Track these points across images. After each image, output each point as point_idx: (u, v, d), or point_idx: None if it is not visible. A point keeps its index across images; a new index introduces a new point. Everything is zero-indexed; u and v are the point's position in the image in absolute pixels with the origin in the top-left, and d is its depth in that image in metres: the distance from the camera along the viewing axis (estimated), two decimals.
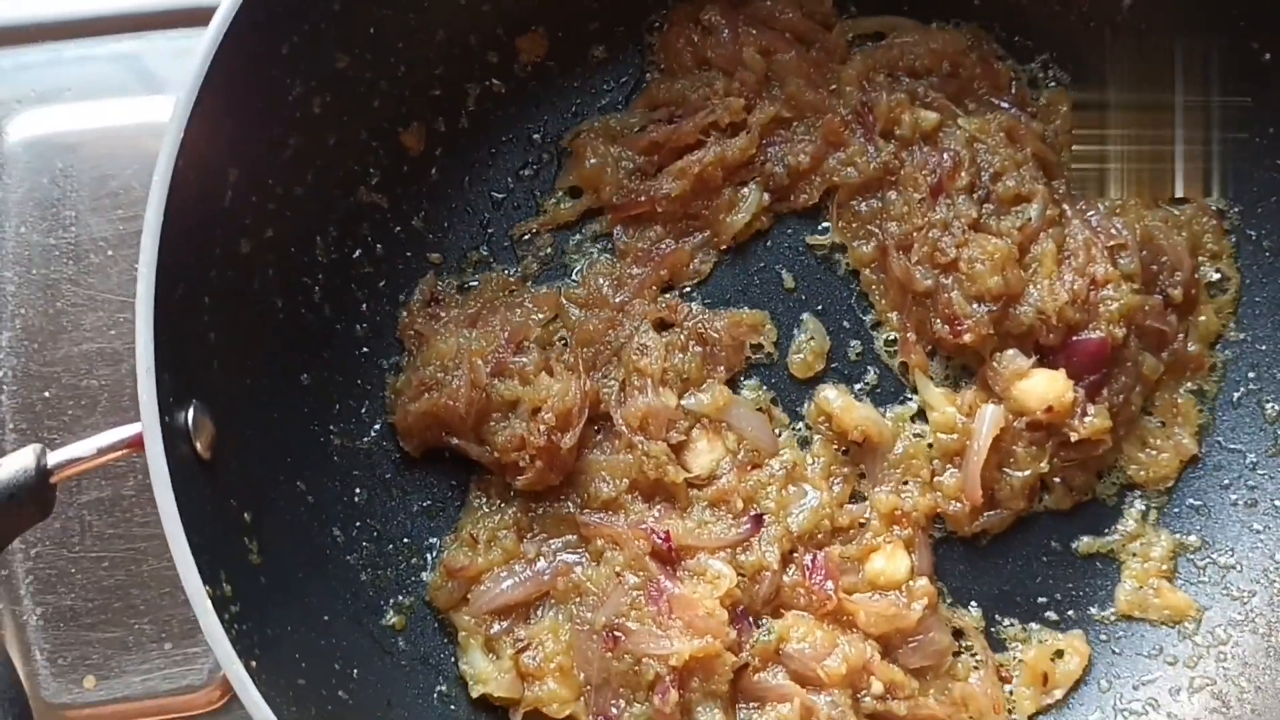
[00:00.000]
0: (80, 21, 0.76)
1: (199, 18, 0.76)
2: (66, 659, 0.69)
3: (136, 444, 0.52)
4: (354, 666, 0.59)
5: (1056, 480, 0.66)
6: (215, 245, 0.57)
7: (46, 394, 0.71)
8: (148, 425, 0.51)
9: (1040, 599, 0.66)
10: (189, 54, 0.72)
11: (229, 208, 0.58)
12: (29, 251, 0.72)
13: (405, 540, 0.65)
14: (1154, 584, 0.65)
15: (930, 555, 0.66)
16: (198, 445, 0.53)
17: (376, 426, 0.66)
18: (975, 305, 0.65)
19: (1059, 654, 0.65)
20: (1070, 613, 0.66)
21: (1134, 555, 0.66)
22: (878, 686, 0.62)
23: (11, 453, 0.52)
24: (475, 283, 0.68)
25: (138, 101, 0.75)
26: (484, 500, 0.66)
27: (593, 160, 0.69)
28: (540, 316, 0.67)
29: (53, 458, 0.51)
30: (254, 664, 0.50)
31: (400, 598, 0.64)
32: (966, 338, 0.65)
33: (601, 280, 0.68)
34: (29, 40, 0.76)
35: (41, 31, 0.76)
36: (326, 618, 0.59)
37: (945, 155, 0.67)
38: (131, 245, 0.72)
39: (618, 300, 0.68)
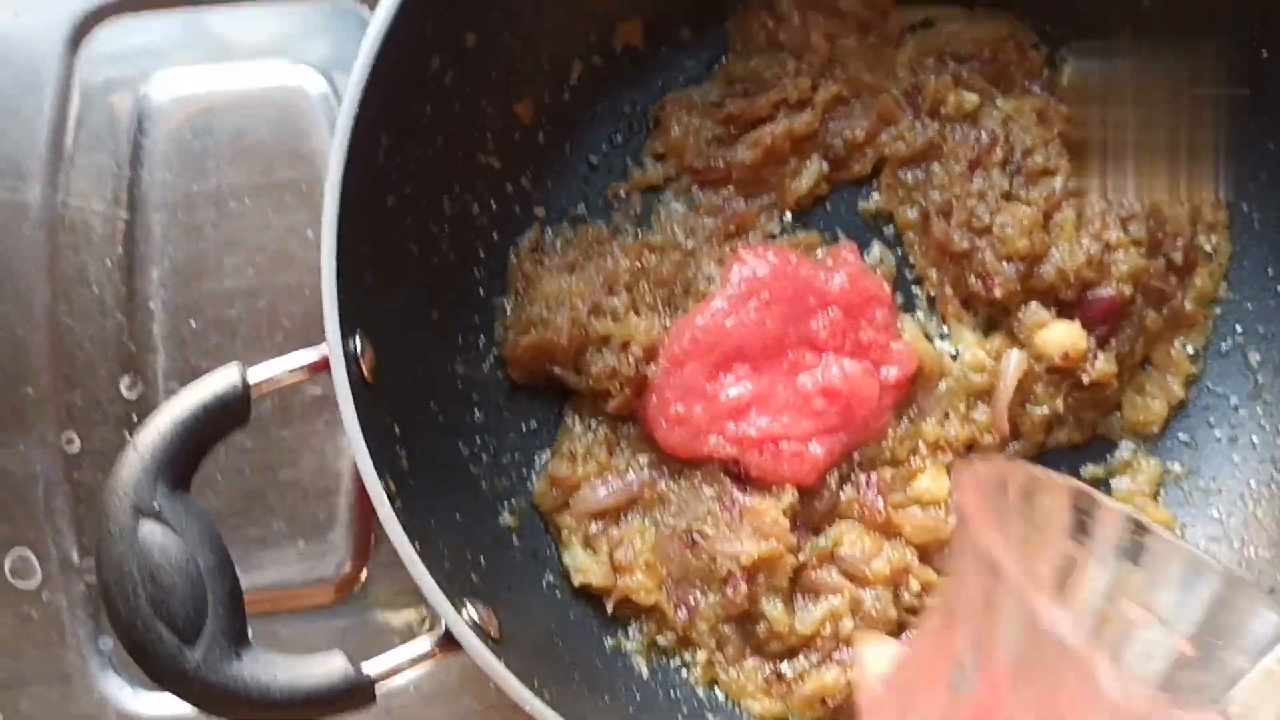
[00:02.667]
0: None
1: None
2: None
3: (320, 366, 0.63)
4: (481, 556, 0.70)
5: (1070, 418, 0.77)
6: (370, 200, 0.67)
7: (192, 323, 0.81)
8: (333, 350, 0.61)
9: None
10: (313, 25, 0.84)
11: (381, 167, 0.68)
12: (175, 197, 0.82)
13: (516, 454, 0.76)
14: (1139, 501, 0.77)
15: None
16: (364, 368, 0.64)
17: (491, 357, 0.77)
18: (1005, 264, 0.75)
19: None
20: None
21: (1125, 477, 0.78)
22: (915, 585, 0.74)
23: (206, 371, 0.63)
24: (574, 235, 0.79)
25: (269, 64, 0.84)
26: (577, 421, 0.77)
27: (676, 130, 0.79)
28: (627, 264, 0.77)
29: (252, 374, 0.62)
30: (417, 545, 0.61)
31: (514, 500, 0.75)
32: (997, 292, 0.75)
33: (676, 228, 0.78)
34: (173, 4, 0.84)
35: None
36: (458, 516, 0.70)
37: (983, 133, 0.77)
38: (264, 195, 0.81)
39: (689, 246, 0.78)
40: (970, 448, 0.77)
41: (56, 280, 0.80)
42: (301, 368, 0.63)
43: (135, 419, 0.80)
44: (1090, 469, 0.78)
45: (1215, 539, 0.75)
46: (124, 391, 0.80)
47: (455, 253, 0.75)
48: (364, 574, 0.81)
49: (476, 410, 0.75)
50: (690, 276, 0.77)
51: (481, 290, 0.76)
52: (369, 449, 0.60)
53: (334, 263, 0.62)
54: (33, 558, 0.80)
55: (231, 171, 0.83)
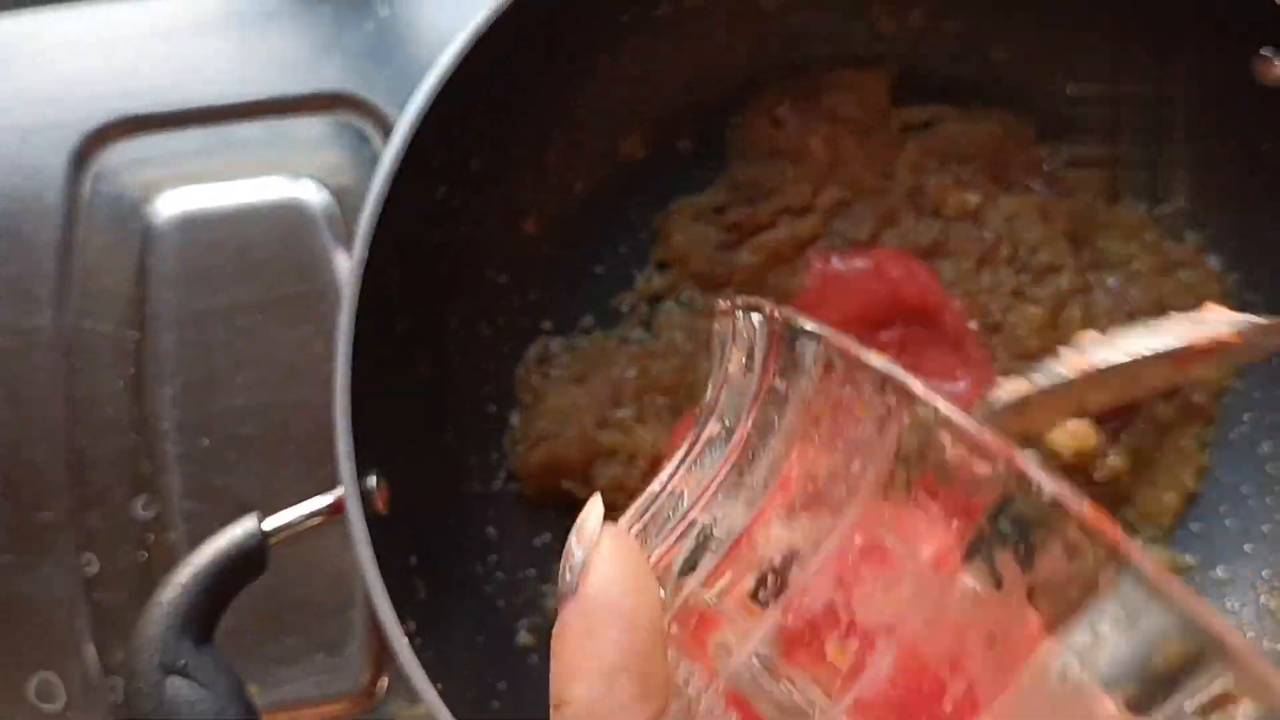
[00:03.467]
0: (219, 108, 0.86)
1: (322, 104, 0.86)
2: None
3: (338, 508, 0.63)
4: (501, 680, 0.70)
5: None
6: (382, 329, 0.68)
7: (206, 441, 0.81)
8: (349, 494, 0.62)
9: None
10: (313, 139, 0.85)
11: (391, 297, 0.68)
12: (183, 315, 0.82)
13: (531, 569, 0.76)
14: None
15: None
16: (379, 504, 0.65)
17: (503, 473, 0.77)
18: (1017, 363, 0.76)
19: None
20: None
21: None
22: None
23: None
24: (583, 344, 0.79)
25: (271, 179, 0.85)
26: None
27: (680, 238, 0.79)
28: (633, 374, 0.77)
29: (269, 523, 0.62)
30: (440, 686, 0.61)
31: (531, 619, 0.75)
32: None
33: (676, 333, 0.79)
34: (173, 126, 0.85)
35: (185, 116, 0.85)
36: (480, 638, 0.71)
37: (987, 233, 0.78)
38: (273, 310, 0.82)
39: (688, 349, 0.78)
40: None
41: (70, 403, 0.81)
42: (319, 511, 0.63)
43: (152, 538, 0.80)
44: None
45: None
46: (140, 511, 0.81)
47: (466, 370, 0.75)
48: (383, 683, 0.81)
49: (490, 528, 0.75)
50: (691, 382, 0.77)
51: (493, 406, 0.77)
52: (389, 591, 0.61)
53: (348, 408, 0.62)
54: (57, 680, 0.80)
55: (239, 288, 0.83)
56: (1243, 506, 0.78)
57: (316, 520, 0.63)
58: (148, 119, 0.85)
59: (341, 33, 0.87)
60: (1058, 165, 0.80)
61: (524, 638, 0.75)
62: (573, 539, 0.37)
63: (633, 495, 0.74)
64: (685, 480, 0.40)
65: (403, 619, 0.62)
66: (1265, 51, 0.70)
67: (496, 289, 0.77)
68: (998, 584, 0.30)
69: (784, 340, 0.36)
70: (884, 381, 0.31)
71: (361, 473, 0.63)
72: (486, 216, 0.75)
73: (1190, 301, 0.76)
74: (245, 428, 0.82)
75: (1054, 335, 0.76)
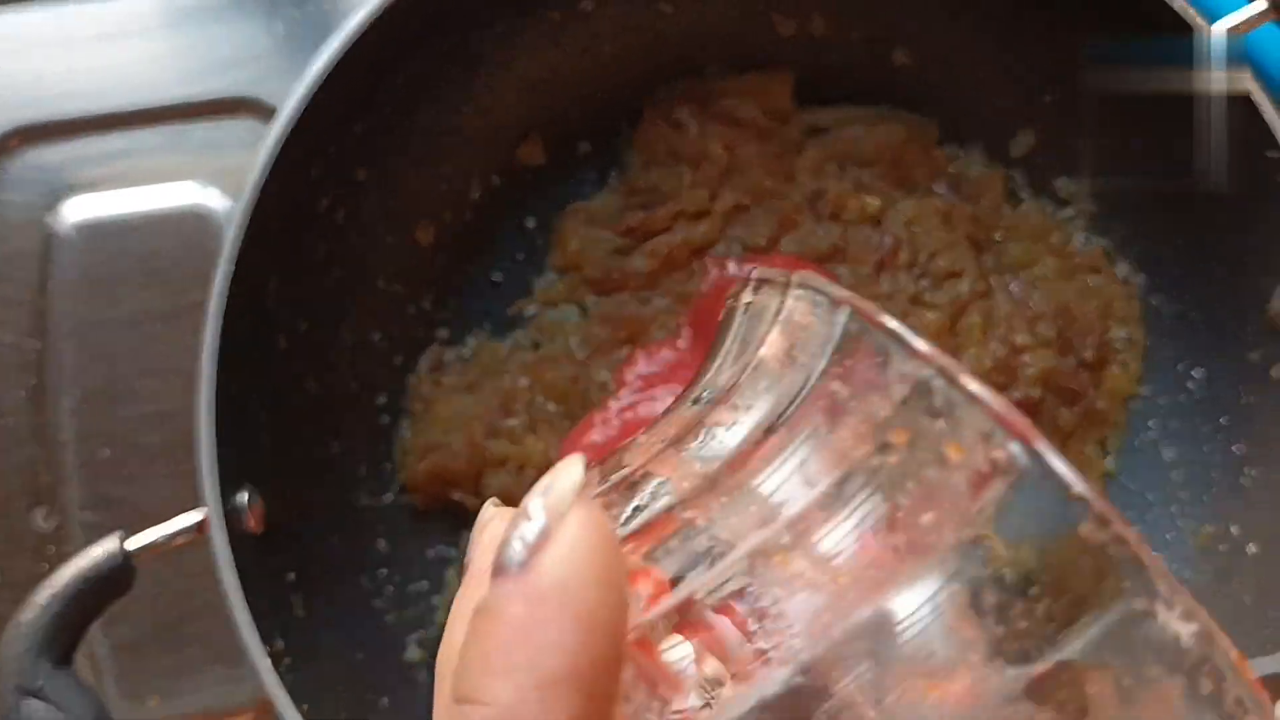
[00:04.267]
0: (122, 114, 0.85)
1: (227, 109, 0.85)
2: (132, 683, 0.80)
3: (202, 527, 0.63)
4: (384, 697, 0.70)
5: None
6: (259, 344, 0.67)
7: (107, 450, 0.81)
8: (212, 516, 0.61)
9: None
10: (218, 145, 0.84)
11: (270, 309, 0.68)
12: (86, 324, 0.82)
13: (424, 582, 0.76)
14: None
15: None
16: (251, 522, 0.64)
17: (396, 485, 0.76)
18: None
19: None
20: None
21: None
22: None
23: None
24: (477, 352, 0.78)
25: (178, 186, 0.84)
26: None
27: (575, 243, 0.78)
28: (526, 381, 0.76)
29: (132, 543, 0.62)
30: (305, 707, 0.60)
31: (421, 632, 0.75)
32: None
33: (570, 339, 0.77)
34: (76, 133, 0.85)
35: (87, 124, 0.85)
36: (361, 656, 0.70)
37: (886, 238, 0.77)
38: (180, 318, 0.81)
39: (581, 356, 0.77)
40: None
41: None
42: (185, 530, 0.63)
43: (52, 550, 0.80)
44: None
45: None
46: (40, 522, 0.81)
47: (356, 381, 0.75)
48: None
49: (381, 541, 0.75)
50: (584, 389, 0.76)
51: (386, 417, 0.76)
52: (253, 613, 0.60)
53: (212, 425, 0.62)
54: None
55: (143, 296, 0.83)
56: (1148, 514, 0.77)
57: (185, 538, 0.63)
58: (50, 126, 0.84)
59: (249, 36, 0.86)
60: (961, 168, 0.79)
61: (413, 653, 0.74)
62: (533, 499, 0.29)
63: None
64: (672, 466, 0.34)
65: (270, 638, 0.62)
66: None
67: (390, 299, 0.76)
68: None
69: (870, 351, 0.30)
70: (992, 433, 0.27)
71: (231, 490, 0.63)
72: (377, 227, 0.74)
73: (1095, 305, 0.75)
74: (148, 437, 0.81)
75: (952, 342, 0.75)
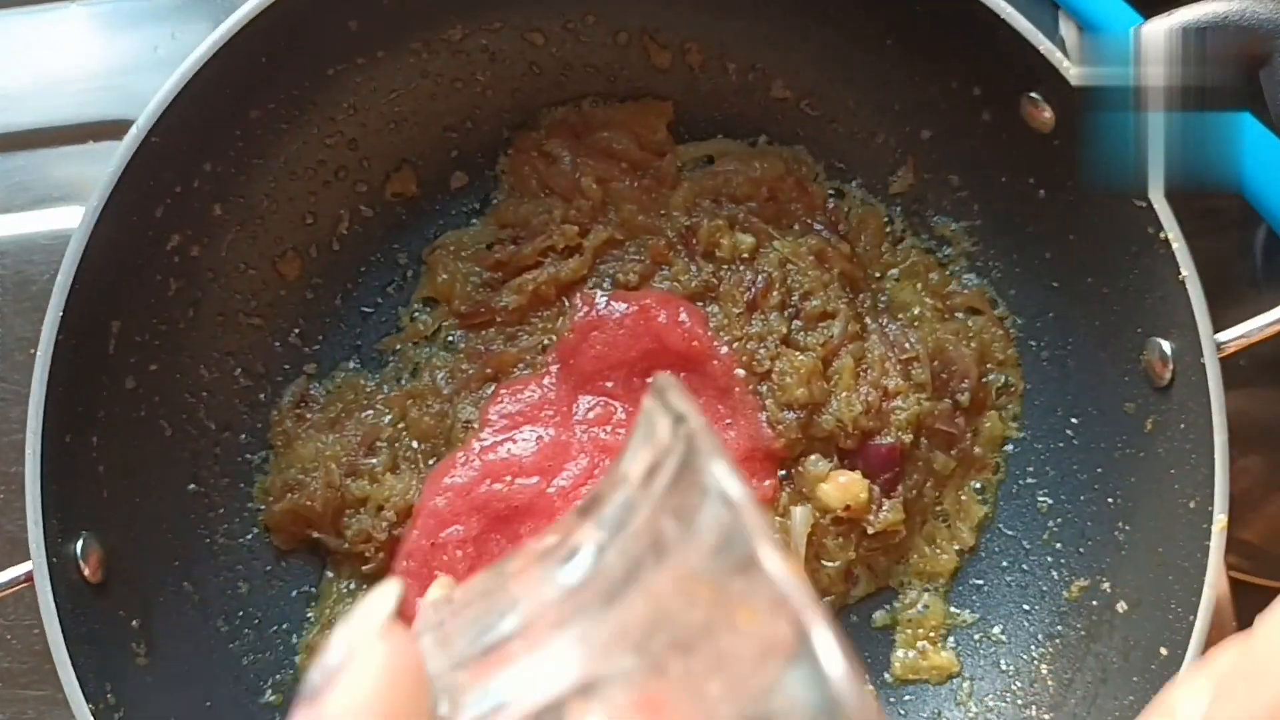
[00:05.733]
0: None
1: (105, 132, 0.84)
2: (6, 714, 0.79)
3: (30, 579, 0.62)
4: None
5: (864, 567, 0.75)
6: (101, 389, 0.66)
7: None
8: (37, 568, 0.60)
9: None
10: (96, 168, 0.83)
11: (113, 354, 0.66)
12: None
13: (284, 624, 0.74)
14: (921, 646, 0.75)
15: None
16: (86, 572, 0.63)
17: (258, 524, 0.75)
18: (785, 413, 0.74)
19: None
20: (865, 678, 0.75)
21: (909, 623, 0.76)
22: None
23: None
24: (341, 388, 0.76)
25: (60, 210, 0.83)
26: (337, 583, 0.75)
27: (443, 275, 0.77)
28: (390, 418, 0.75)
29: None
30: None
31: (279, 675, 0.73)
32: (779, 443, 0.74)
33: (437, 374, 0.76)
34: None
35: None
36: (209, 704, 0.69)
37: (759, 276, 0.75)
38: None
39: (447, 392, 0.75)
40: None
41: None
42: (13, 581, 0.62)
43: None
44: (879, 615, 0.76)
45: (1001, 694, 0.73)
46: None
47: (215, 421, 0.73)
48: None
49: (240, 582, 0.73)
50: (449, 426, 0.75)
51: (248, 455, 0.75)
52: (76, 668, 0.59)
53: (38, 473, 0.61)
54: None
55: (17, 322, 0.82)
56: (1024, 562, 0.75)
57: (14, 589, 0.62)
58: None
59: (128, 59, 0.85)
60: (840, 204, 0.77)
61: (270, 696, 0.73)
62: (339, 629, 0.29)
63: (380, 547, 0.73)
64: (532, 586, 0.33)
65: (103, 690, 0.61)
66: (1034, 94, 0.67)
67: (253, 335, 0.75)
68: None
69: (701, 484, 0.30)
70: (783, 603, 0.27)
71: (66, 539, 0.62)
72: (237, 262, 0.73)
73: (973, 348, 0.74)
74: (20, 466, 0.80)
75: (824, 385, 0.73)
